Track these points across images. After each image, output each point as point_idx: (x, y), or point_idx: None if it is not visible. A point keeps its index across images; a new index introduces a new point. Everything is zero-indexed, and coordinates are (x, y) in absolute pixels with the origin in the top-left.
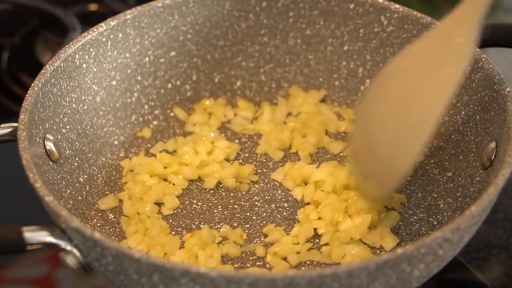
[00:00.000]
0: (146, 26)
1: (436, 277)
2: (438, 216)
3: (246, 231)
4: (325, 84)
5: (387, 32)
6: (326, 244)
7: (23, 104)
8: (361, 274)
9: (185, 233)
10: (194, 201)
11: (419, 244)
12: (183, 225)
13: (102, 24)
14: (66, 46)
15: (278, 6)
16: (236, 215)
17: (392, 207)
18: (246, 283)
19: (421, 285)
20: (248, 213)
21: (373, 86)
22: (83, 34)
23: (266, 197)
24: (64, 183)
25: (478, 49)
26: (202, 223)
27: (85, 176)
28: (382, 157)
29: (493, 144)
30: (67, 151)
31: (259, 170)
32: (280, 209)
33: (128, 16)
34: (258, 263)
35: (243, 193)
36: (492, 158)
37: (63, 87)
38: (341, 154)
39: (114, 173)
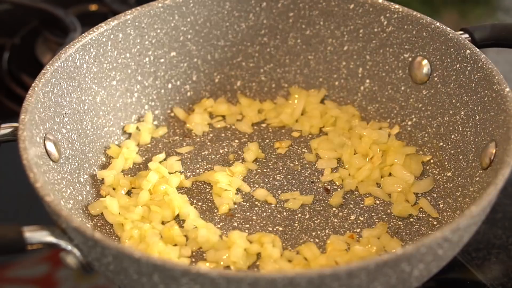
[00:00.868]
0: (146, 26)
1: (436, 277)
2: (438, 216)
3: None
4: (325, 84)
5: (387, 32)
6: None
7: (23, 104)
8: (360, 274)
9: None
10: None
11: (419, 244)
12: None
13: (102, 24)
14: (67, 46)
15: (278, 6)
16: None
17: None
18: (246, 283)
19: (421, 285)
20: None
21: None
22: (83, 34)
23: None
24: (64, 183)
25: (478, 49)
26: None
27: (86, 176)
28: None
29: (492, 144)
30: (68, 151)
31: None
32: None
33: (128, 16)
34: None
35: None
36: (492, 158)
37: (63, 87)
38: None
39: None
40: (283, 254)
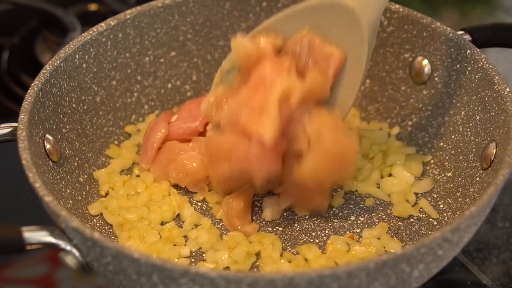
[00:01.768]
0: (146, 26)
1: (436, 277)
2: (438, 217)
3: None
4: None
5: (387, 32)
6: None
7: (23, 104)
8: (360, 274)
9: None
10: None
11: (419, 245)
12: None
13: (102, 24)
14: (66, 46)
15: (278, 6)
16: None
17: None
18: (245, 283)
19: (421, 285)
20: None
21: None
22: (83, 34)
23: None
24: (63, 183)
25: (478, 49)
26: None
27: (85, 176)
28: None
29: (493, 144)
30: (67, 151)
31: None
32: None
33: (128, 16)
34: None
35: None
36: (492, 158)
37: (63, 87)
38: None
39: None
40: (283, 255)
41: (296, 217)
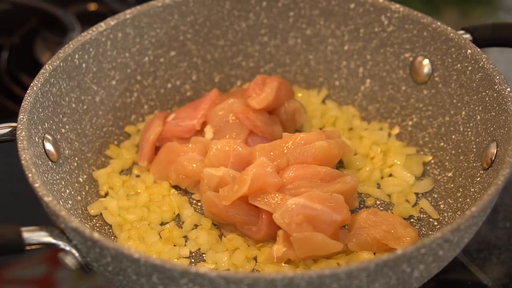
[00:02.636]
0: (146, 26)
1: (436, 278)
2: (439, 217)
3: None
4: (325, 84)
5: (388, 32)
6: None
7: (22, 104)
8: (360, 274)
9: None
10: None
11: (419, 245)
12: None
13: (102, 23)
14: (66, 45)
15: (278, 5)
16: None
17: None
18: (245, 283)
19: (422, 286)
20: None
21: None
22: (82, 34)
23: None
24: (63, 183)
25: (479, 49)
26: None
27: (85, 176)
28: None
29: (493, 144)
30: (67, 151)
31: None
32: None
33: (128, 16)
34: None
35: None
36: (493, 159)
37: (62, 87)
38: None
39: None
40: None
41: None
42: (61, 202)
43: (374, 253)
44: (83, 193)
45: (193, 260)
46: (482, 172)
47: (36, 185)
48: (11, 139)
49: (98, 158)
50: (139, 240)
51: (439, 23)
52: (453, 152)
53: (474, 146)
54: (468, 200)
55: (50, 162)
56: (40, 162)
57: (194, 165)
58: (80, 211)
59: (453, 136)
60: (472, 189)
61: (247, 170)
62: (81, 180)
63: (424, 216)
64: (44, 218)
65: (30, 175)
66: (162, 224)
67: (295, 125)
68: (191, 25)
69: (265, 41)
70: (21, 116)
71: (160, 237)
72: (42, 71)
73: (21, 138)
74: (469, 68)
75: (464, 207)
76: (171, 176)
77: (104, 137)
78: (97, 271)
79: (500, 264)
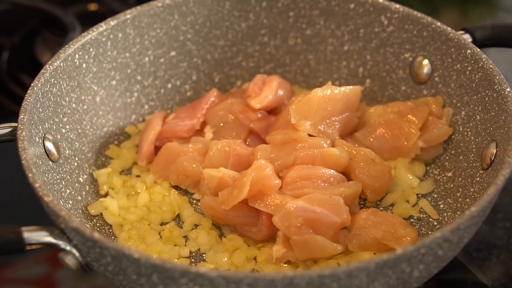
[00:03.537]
0: (146, 26)
1: (436, 277)
2: (438, 217)
3: None
4: (325, 84)
5: (388, 32)
6: None
7: (22, 104)
8: (360, 274)
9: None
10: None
11: (419, 245)
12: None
13: (102, 24)
14: (66, 46)
15: (278, 6)
16: None
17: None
18: (245, 283)
19: (421, 285)
20: None
21: None
22: (82, 34)
23: None
24: (63, 183)
25: (479, 49)
26: None
27: (85, 176)
28: None
29: (493, 145)
30: (67, 151)
31: None
32: None
33: (128, 16)
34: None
35: None
36: (492, 159)
37: (62, 87)
38: None
39: None
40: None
41: None
42: (61, 202)
43: (374, 253)
44: (84, 193)
45: (193, 260)
46: (482, 172)
47: (37, 185)
48: (11, 139)
49: (98, 158)
50: (139, 240)
51: (439, 23)
52: (453, 152)
53: (474, 146)
54: (467, 200)
55: (50, 162)
56: (40, 162)
57: (194, 165)
58: (80, 211)
59: (453, 136)
60: (472, 189)
61: (246, 173)
62: (81, 180)
63: (424, 216)
64: (44, 218)
65: (30, 175)
66: (162, 224)
67: None
68: (191, 25)
69: (265, 41)
70: (22, 116)
71: (160, 237)
72: (42, 71)
73: (22, 138)
74: (469, 68)
75: (464, 207)
76: (171, 176)
77: (104, 137)
78: (97, 271)
79: (500, 264)
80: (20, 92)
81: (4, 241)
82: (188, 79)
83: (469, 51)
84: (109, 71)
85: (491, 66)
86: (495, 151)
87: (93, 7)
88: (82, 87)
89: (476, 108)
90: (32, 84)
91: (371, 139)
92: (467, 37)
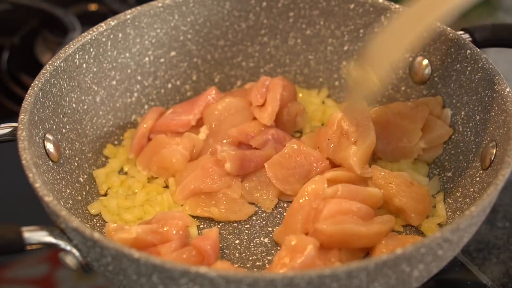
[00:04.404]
0: (146, 26)
1: (436, 277)
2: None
3: None
4: (325, 84)
5: None
6: None
7: (22, 104)
8: (360, 274)
9: None
10: None
11: (419, 244)
12: None
13: (102, 24)
14: (66, 46)
15: (278, 6)
16: None
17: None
18: (245, 283)
19: (421, 285)
20: None
21: None
22: (83, 34)
23: None
24: (64, 183)
25: (478, 49)
26: None
27: (85, 176)
28: None
29: (493, 145)
30: (67, 151)
31: None
32: None
33: (128, 16)
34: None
35: None
36: (492, 159)
37: (63, 87)
38: None
39: None
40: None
41: None
42: (61, 202)
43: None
44: (84, 193)
45: None
46: (482, 172)
47: (37, 185)
48: (11, 139)
49: (98, 158)
50: None
51: (438, 24)
52: (452, 152)
53: (474, 146)
54: (467, 200)
55: (50, 162)
56: (40, 162)
57: (174, 160)
58: (80, 211)
59: (453, 136)
60: (472, 189)
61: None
62: (81, 180)
63: None
64: (44, 218)
65: (30, 175)
66: None
67: (295, 127)
68: (191, 25)
69: (265, 41)
70: (22, 116)
71: None
72: (42, 71)
73: (22, 138)
74: (469, 69)
75: (464, 207)
76: (152, 167)
77: (104, 137)
78: (97, 271)
79: (500, 264)
80: (20, 92)
81: (4, 241)
82: (188, 79)
83: (469, 51)
84: (109, 71)
85: (491, 66)
86: (494, 151)
87: (93, 7)
88: (82, 87)
89: (476, 108)
90: (32, 84)
91: None
92: (467, 37)
